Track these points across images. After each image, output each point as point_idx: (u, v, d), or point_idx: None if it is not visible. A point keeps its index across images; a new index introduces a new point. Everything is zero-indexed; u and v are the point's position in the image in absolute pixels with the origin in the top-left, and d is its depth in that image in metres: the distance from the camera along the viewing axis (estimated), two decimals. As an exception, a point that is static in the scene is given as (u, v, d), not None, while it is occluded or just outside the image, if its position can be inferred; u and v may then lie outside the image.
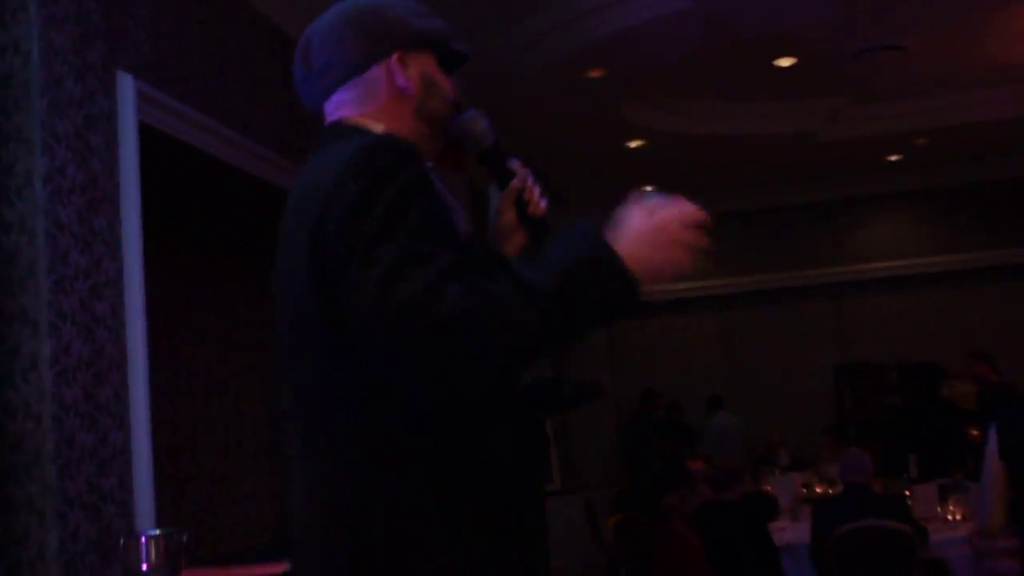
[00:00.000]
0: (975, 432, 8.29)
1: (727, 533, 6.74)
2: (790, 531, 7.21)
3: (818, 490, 9.21)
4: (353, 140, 1.79)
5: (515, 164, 2.09)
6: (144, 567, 3.21)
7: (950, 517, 6.82)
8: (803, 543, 6.77)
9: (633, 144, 10.67)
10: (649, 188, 1.80)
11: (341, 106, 1.95)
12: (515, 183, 2.08)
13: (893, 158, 12.04)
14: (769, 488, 8.90)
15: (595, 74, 8.41)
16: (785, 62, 8.94)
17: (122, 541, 3.63)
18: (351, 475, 1.74)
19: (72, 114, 3.98)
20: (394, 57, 1.94)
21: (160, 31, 4.71)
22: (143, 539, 3.28)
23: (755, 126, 10.48)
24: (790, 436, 11.79)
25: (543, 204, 2.09)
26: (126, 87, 4.34)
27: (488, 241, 2.14)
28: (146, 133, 4.46)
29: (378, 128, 1.89)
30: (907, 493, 7.15)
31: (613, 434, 12.98)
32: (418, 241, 1.62)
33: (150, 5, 4.66)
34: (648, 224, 1.71)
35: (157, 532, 3.38)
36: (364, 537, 1.70)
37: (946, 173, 12.48)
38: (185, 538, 3.35)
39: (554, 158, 11.07)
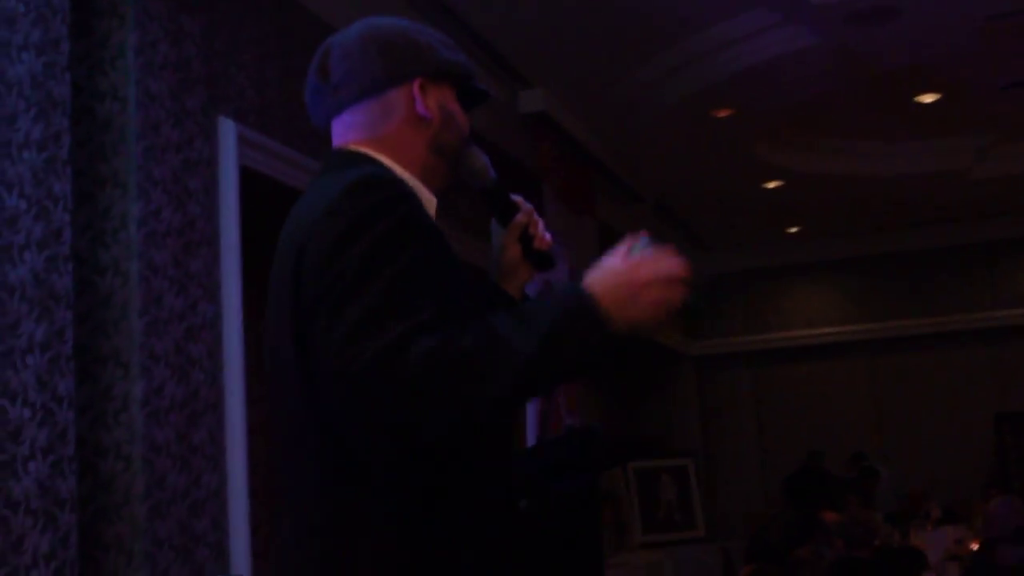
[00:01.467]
0: None
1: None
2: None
3: (972, 546, 8.85)
4: (349, 172, 1.75)
5: (518, 199, 2.05)
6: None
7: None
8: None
9: (771, 185, 10.51)
10: (642, 237, 1.69)
11: (351, 127, 1.89)
12: (520, 218, 2.04)
13: (1054, 196, 11.60)
14: (917, 542, 8.65)
15: (723, 114, 8.32)
16: (928, 98, 8.73)
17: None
18: (320, 536, 1.70)
19: (169, 159, 4.06)
20: (416, 82, 1.87)
21: (263, 76, 4.80)
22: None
23: (900, 165, 10.25)
24: (946, 488, 11.45)
25: (547, 237, 2.06)
26: (227, 131, 4.42)
27: (493, 278, 2.10)
28: (247, 176, 4.54)
29: (384, 159, 1.84)
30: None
31: (758, 481, 12.80)
32: (391, 295, 1.58)
33: (253, 51, 4.75)
34: (630, 278, 1.64)
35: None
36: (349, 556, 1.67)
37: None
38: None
39: (691, 199, 11.02)
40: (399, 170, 1.84)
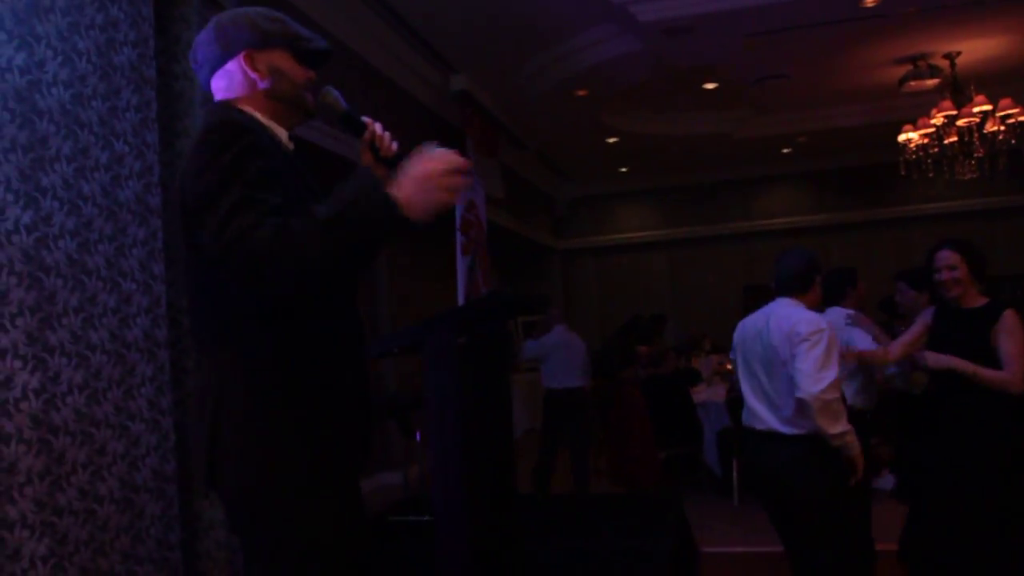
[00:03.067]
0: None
1: (662, 395, 6.74)
2: (705, 394, 7.20)
3: (728, 367, 9.16)
4: (212, 117, 1.67)
5: (367, 120, 1.82)
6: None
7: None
8: (714, 401, 6.76)
9: (610, 140, 10.51)
10: (433, 143, 1.57)
11: (217, 90, 1.78)
12: (366, 135, 1.81)
13: (785, 150, 11.80)
14: (696, 365, 8.91)
15: (581, 93, 8.26)
16: (710, 85, 8.78)
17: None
18: (216, 361, 1.63)
19: (222, 119, 3.96)
20: (242, 55, 1.73)
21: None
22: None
23: (692, 127, 10.31)
24: (714, 332, 11.78)
25: (394, 146, 1.81)
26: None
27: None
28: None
29: (243, 107, 1.72)
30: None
31: (598, 329, 13.03)
32: (247, 190, 1.49)
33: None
34: (421, 170, 1.53)
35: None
36: (222, 403, 1.59)
37: (820, 161, 12.26)
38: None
39: (559, 148, 10.99)
40: (258, 115, 1.72)
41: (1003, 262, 11.66)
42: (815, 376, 2.93)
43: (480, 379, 2.31)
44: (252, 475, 1.56)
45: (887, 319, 5.13)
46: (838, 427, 2.96)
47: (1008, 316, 3.15)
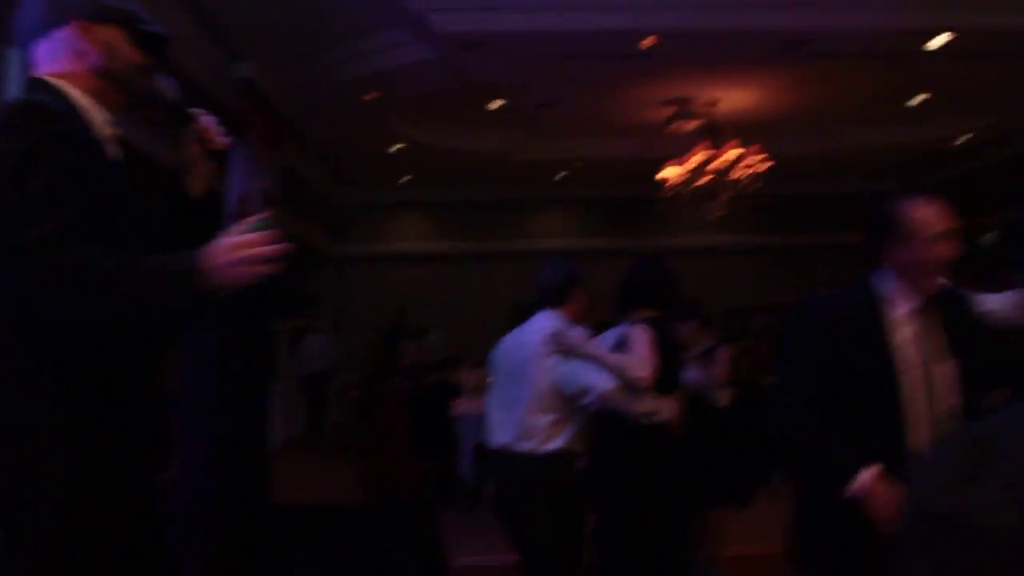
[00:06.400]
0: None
1: (424, 406, 6.78)
2: (465, 406, 7.32)
3: (489, 380, 9.25)
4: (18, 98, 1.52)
5: (195, 112, 1.77)
6: None
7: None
8: (472, 414, 6.89)
9: (394, 148, 10.45)
10: (261, 218, 1.51)
11: (39, 60, 1.64)
12: (192, 126, 1.75)
13: (559, 175, 12.26)
14: (459, 379, 8.97)
15: (371, 96, 8.16)
16: (495, 104, 8.96)
17: None
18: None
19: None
20: (75, 24, 1.61)
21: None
22: None
23: (475, 144, 10.44)
24: (476, 348, 11.91)
25: (223, 140, 1.76)
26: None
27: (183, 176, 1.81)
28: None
29: (61, 85, 1.59)
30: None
31: (366, 340, 12.81)
32: (42, 192, 1.40)
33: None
34: (226, 255, 1.46)
35: None
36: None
37: (591, 187, 12.79)
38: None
39: (343, 150, 10.77)
40: (74, 93, 1.59)
41: (745, 295, 12.85)
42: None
43: (239, 380, 2.20)
44: (12, 475, 1.45)
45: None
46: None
47: None
